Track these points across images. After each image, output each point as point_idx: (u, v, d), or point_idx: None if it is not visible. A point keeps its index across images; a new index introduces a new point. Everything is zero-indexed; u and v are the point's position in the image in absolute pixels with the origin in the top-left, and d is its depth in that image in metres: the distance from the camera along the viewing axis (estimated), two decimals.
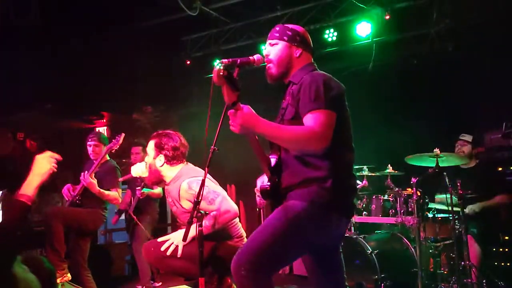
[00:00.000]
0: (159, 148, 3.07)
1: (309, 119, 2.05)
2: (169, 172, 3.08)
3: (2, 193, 4.53)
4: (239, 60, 2.16)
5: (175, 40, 6.77)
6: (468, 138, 4.39)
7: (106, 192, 4.22)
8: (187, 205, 2.94)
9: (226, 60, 2.19)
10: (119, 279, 5.79)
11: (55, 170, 2.35)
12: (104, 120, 7.78)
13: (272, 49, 2.31)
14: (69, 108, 6.79)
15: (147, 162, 3.15)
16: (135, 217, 4.83)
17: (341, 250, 2.37)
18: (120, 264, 6.07)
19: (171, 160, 3.06)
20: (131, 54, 6.50)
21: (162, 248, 2.89)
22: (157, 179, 3.14)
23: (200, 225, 2.25)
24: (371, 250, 4.04)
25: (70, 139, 7.55)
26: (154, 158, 3.09)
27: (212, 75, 2.01)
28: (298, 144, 2.05)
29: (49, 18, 5.11)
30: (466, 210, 4.10)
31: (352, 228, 4.43)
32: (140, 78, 6.88)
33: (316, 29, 5.87)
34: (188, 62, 6.96)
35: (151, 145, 3.12)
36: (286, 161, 2.19)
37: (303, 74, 2.22)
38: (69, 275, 3.99)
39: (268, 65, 2.30)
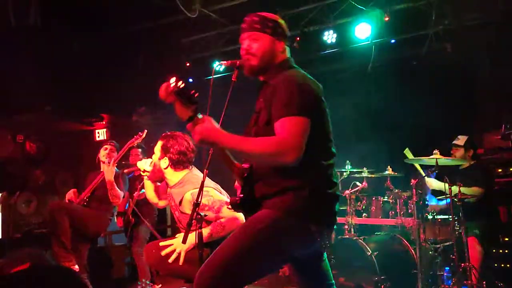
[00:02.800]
0: (164, 151, 3.06)
1: (280, 127, 1.86)
2: (172, 176, 3.07)
3: (1, 195, 4.53)
4: (238, 62, 2.12)
5: (174, 42, 6.77)
6: (460, 141, 4.35)
7: (116, 187, 4.25)
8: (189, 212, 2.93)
9: (225, 61, 2.19)
10: (119, 281, 5.78)
11: None
12: (104, 122, 7.78)
13: (254, 43, 2.10)
14: (69, 110, 6.79)
15: (152, 160, 3.15)
16: (132, 219, 4.83)
17: (325, 258, 2.19)
18: (119, 266, 6.06)
19: (175, 164, 3.04)
20: (131, 56, 6.50)
21: (163, 253, 2.87)
22: (159, 178, 3.15)
23: (200, 227, 2.24)
24: (371, 251, 4.03)
25: (70, 141, 7.55)
26: (160, 159, 3.08)
27: (210, 77, 2.00)
28: (266, 157, 1.87)
29: (49, 18, 5.11)
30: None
31: (352, 229, 4.43)
32: (140, 80, 6.88)
33: (316, 31, 5.87)
34: (188, 64, 6.96)
35: (158, 145, 3.12)
36: (259, 170, 2.01)
37: (278, 73, 2.04)
38: (76, 266, 3.97)
39: (248, 56, 2.10)
